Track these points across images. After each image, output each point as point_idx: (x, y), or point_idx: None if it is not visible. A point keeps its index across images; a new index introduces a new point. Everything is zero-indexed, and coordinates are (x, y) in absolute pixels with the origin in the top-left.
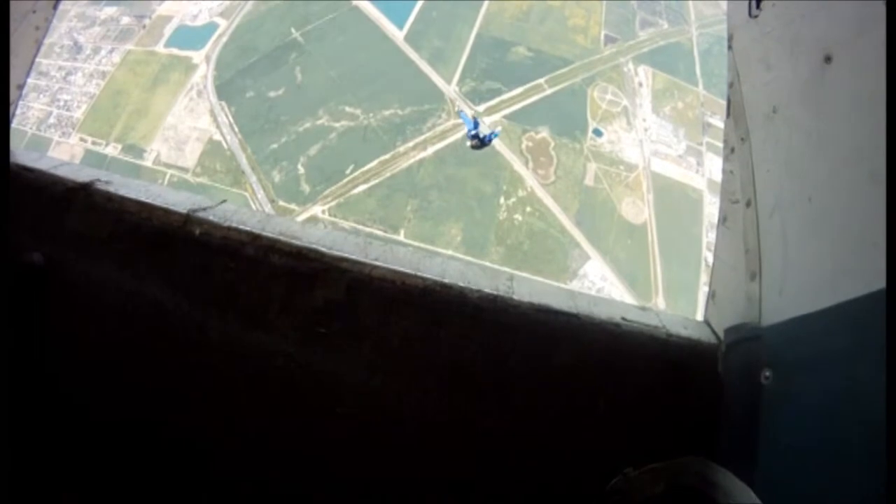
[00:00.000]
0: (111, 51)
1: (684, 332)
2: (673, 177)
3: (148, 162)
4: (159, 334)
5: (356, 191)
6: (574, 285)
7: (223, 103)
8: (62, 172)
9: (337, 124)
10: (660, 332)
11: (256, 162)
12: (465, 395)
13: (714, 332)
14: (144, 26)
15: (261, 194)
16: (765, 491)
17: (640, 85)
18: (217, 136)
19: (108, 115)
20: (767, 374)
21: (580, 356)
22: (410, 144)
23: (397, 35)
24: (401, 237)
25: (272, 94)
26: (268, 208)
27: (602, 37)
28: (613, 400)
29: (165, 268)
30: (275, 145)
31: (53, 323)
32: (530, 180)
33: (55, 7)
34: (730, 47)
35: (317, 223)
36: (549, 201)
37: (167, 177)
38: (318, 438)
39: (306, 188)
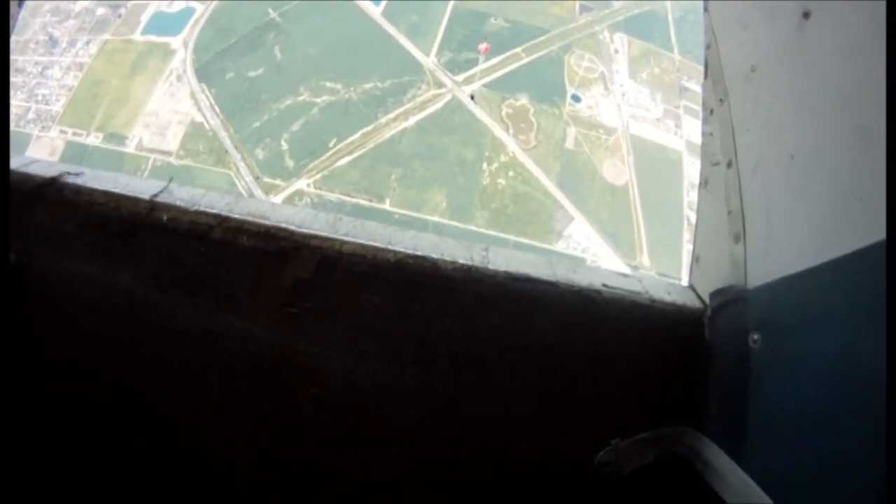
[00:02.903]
0: (87, 42)
1: (668, 298)
2: (652, 139)
3: (130, 148)
4: (131, 323)
5: (340, 163)
6: (559, 246)
7: (203, 86)
8: (32, 170)
9: (318, 99)
10: (643, 297)
11: (239, 141)
12: (441, 370)
13: (699, 297)
14: (120, 16)
15: (245, 172)
16: (756, 456)
17: (616, 52)
18: (199, 118)
19: (88, 106)
20: (755, 337)
21: (560, 325)
22: (392, 116)
23: (374, 11)
24: (386, 206)
25: (252, 73)
26: (253, 185)
27: (577, 6)
28: (597, 369)
29: (135, 256)
30: (257, 123)
31: (28, 320)
32: (512, 146)
33: (20, 6)
34: (706, 10)
35: (302, 196)
36: (531, 165)
37: (150, 161)
38: (294, 420)
39: (290, 163)
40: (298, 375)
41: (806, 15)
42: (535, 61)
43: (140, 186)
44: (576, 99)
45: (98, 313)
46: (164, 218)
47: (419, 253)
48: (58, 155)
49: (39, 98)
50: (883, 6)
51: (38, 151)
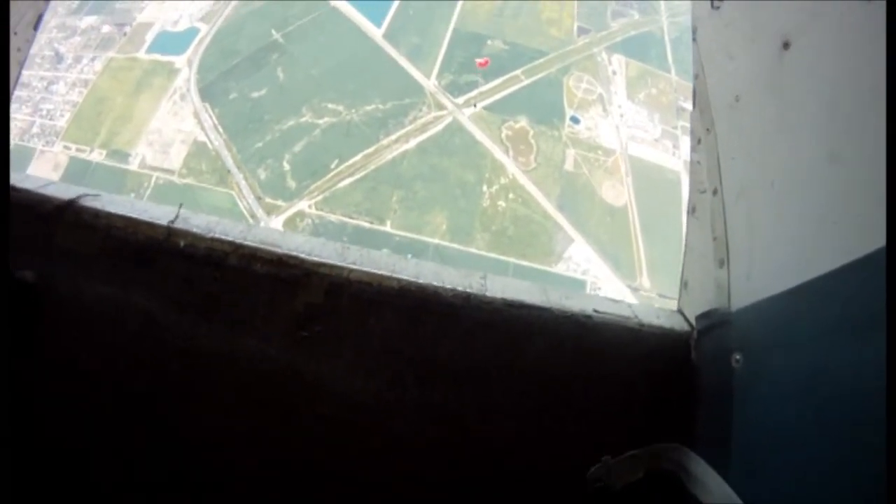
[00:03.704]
0: (93, 59)
1: (657, 322)
2: (650, 160)
3: (133, 166)
4: (149, 344)
5: (342, 184)
6: (559, 268)
7: (207, 105)
8: (50, 191)
9: (320, 121)
10: (631, 322)
11: (242, 161)
12: (443, 391)
13: (687, 320)
14: (125, 34)
15: (247, 192)
16: (740, 471)
17: (614, 73)
18: (202, 138)
19: (92, 122)
20: (738, 357)
21: (554, 347)
22: (393, 137)
23: (376, 33)
24: (387, 228)
25: (255, 94)
26: (255, 205)
27: (575, 28)
28: (589, 389)
29: (153, 280)
30: (260, 144)
31: (46, 337)
32: (512, 168)
33: (36, 28)
34: (694, 39)
35: (304, 218)
36: (530, 187)
37: (153, 179)
38: (303, 437)
39: (292, 184)
40: (308, 393)
41: (786, 45)
42: (535, 83)
43: (157, 212)
44: (575, 121)
45: (116, 332)
46: (182, 244)
47: (421, 281)
48: (61, 170)
49: (44, 113)
50: (859, 34)
51: (42, 166)
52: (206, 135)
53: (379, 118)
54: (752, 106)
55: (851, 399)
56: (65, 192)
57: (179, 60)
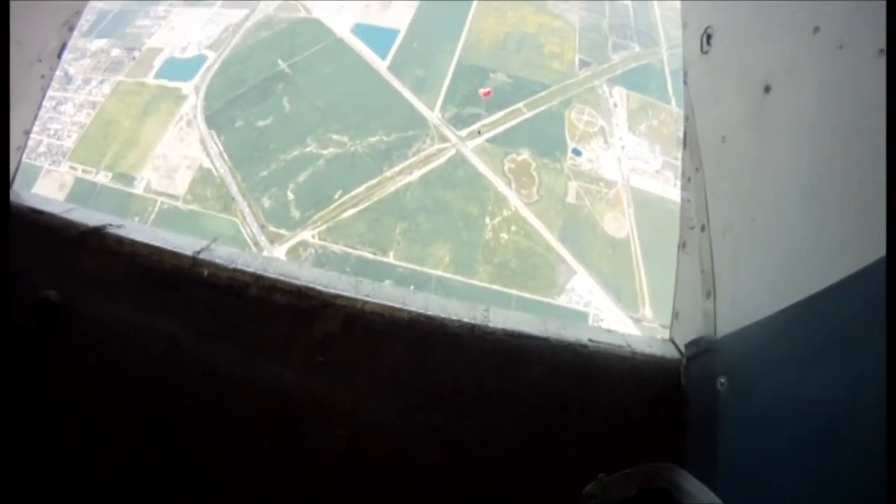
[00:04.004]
0: (101, 82)
1: (648, 350)
2: (652, 191)
3: (138, 190)
4: (170, 366)
5: (345, 215)
6: (562, 300)
7: (213, 132)
8: (73, 216)
9: (325, 151)
10: (625, 350)
11: (246, 189)
12: (448, 415)
13: (677, 348)
14: (134, 58)
15: (251, 220)
16: (727, 488)
17: (616, 105)
18: (207, 164)
19: (99, 144)
20: (723, 380)
21: (551, 375)
22: (397, 169)
23: (381, 65)
24: (390, 259)
25: (261, 123)
26: (258, 233)
27: (577, 61)
28: (584, 414)
29: (176, 306)
30: (264, 172)
31: (67, 356)
32: (514, 200)
33: (59, 56)
34: (685, 83)
35: (307, 247)
36: (533, 220)
37: (158, 204)
38: (315, 455)
39: (296, 213)
40: (322, 415)
41: (767, 89)
42: (537, 116)
43: (181, 242)
44: (576, 153)
45: (138, 354)
46: (205, 273)
47: (429, 312)
48: (66, 190)
49: (51, 132)
50: (833, 78)
51: (48, 185)
52: (212, 162)
53: (383, 150)
54: (736, 146)
55: (826, 417)
56: (88, 219)
57: (187, 87)
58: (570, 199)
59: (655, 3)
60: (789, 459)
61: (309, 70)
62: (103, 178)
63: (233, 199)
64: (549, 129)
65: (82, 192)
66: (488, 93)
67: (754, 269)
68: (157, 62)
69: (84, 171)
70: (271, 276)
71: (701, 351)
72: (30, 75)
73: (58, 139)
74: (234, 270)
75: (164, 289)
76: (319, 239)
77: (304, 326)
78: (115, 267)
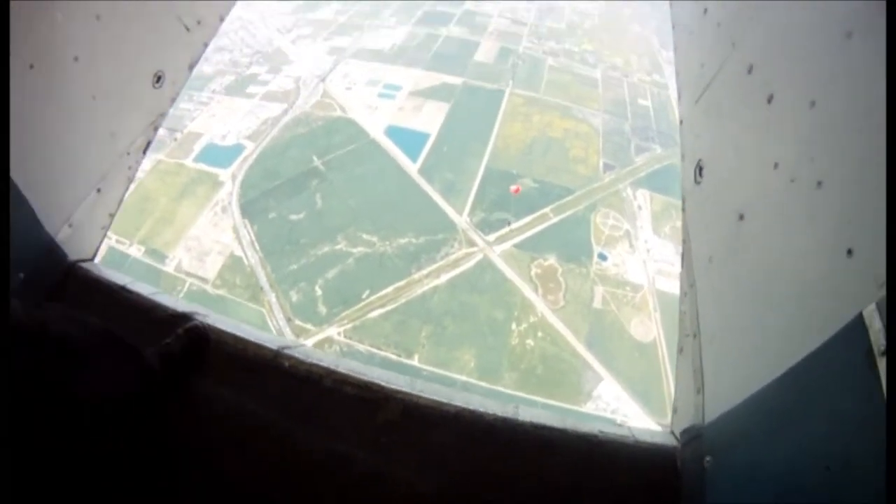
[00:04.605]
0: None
1: (650, 440)
2: (678, 293)
3: (169, 268)
4: (254, 438)
5: (372, 315)
6: (588, 407)
7: (246, 221)
8: (161, 300)
9: (354, 250)
10: (628, 440)
11: (275, 280)
12: (483, 489)
13: (675, 437)
14: (176, 139)
15: (278, 312)
16: None
17: (640, 208)
18: (238, 252)
19: (135, 218)
20: (708, 459)
21: (569, 461)
22: (425, 272)
23: (412, 168)
24: (415, 362)
25: (293, 216)
26: (284, 326)
27: (601, 165)
28: (595, 492)
29: (260, 389)
30: (294, 266)
31: (165, 422)
32: (541, 306)
33: (144, 151)
34: (683, 209)
35: (332, 344)
36: (559, 326)
37: (187, 284)
38: None
39: (323, 309)
40: (386, 486)
41: (741, 217)
42: (563, 221)
43: (263, 336)
44: (602, 257)
45: (224, 426)
46: (286, 364)
47: (471, 407)
48: (99, 257)
49: None
50: (793, 209)
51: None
52: (243, 250)
53: (412, 252)
54: (719, 266)
55: (791, 483)
56: (176, 305)
57: (224, 174)
58: (597, 304)
59: (675, 104)
60: None
61: (342, 168)
62: (136, 251)
63: (261, 288)
64: (575, 233)
65: (114, 261)
66: (517, 190)
67: (730, 367)
68: (197, 146)
69: (118, 240)
70: (342, 371)
71: (692, 437)
72: (119, 165)
73: None
74: (311, 364)
75: (248, 373)
76: (345, 337)
77: (369, 414)
78: (178, 335)
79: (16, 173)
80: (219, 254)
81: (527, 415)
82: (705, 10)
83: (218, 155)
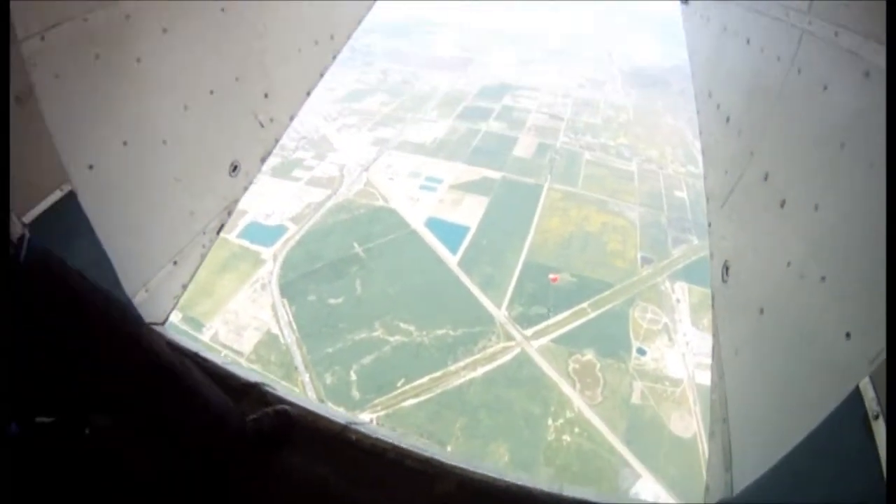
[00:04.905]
0: None
1: None
2: None
3: (205, 337)
4: (322, 502)
5: (406, 403)
6: None
7: (285, 301)
8: (232, 370)
9: (391, 338)
10: None
11: (311, 361)
12: None
13: None
14: None
15: (311, 393)
16: None
17: (678, 301)
18: (275, 330)
19: None
20: None
21: None
22: (461, 364)
23: (451, 260)
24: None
25: (332, 300)
26: None
27: (639, 258)
28: None
29: (329, 457)
30: (330, 349)
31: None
32: (578, 402)
33: (217, 233)
34: (713, 306)
35: None
36: (596, 421)
37: (222, 356)
38: None
39: (357, 395)
40: None
41: (761, 311)
42: (601, 315)
43: (331, 411)
44: (641, 352)
45: (299, 492)
46: (353, 437)
47: (520, 483)
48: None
49: None
50: (807, 309)
51: None
52: (280, 328)
53: (449, 343)
54: (744, 356)
55: None
56: (247, 375)
57: (266, 252)
58: (635, 399)
59: None
60: None
61: (383, 256)
62: (174, 316)
63: (296, 368)
64: (613, 328)
65: None
66: (556, 279)
67: (754, 444)
68: (242, 223)
69: None
70: (404, 447)
71: None
72: (195, 242)
73: None
74: (376, 439)
75: (320, 444)
76: (378, 423)
77: (428, 486)
78: (268, 414)
79: (103, 236)
80: (255, 329)
81: (570, 491)
82: (727, 119)
83: (261, 233)
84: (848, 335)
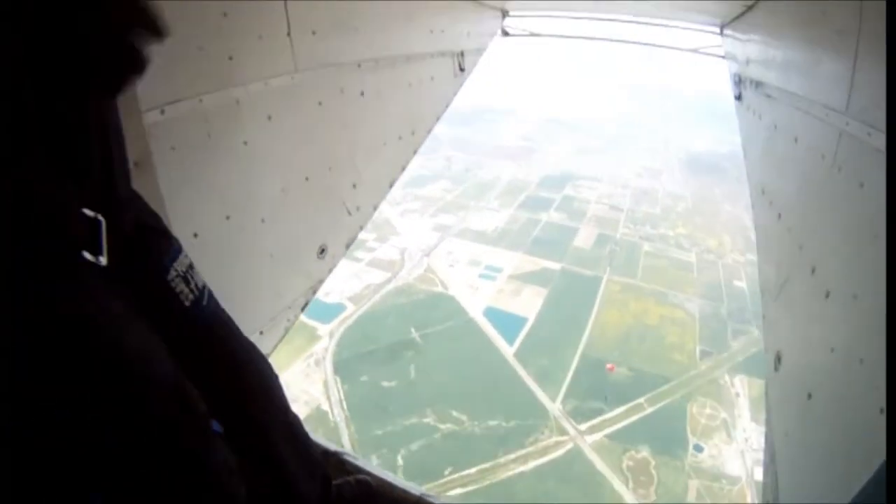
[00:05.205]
0: None
1: None
2: None
3: None
4: None
5: (452, 492)
6: None
7: (338, 379)
8: (316, 438)
9: (442, 426)
10: None
11: (358, 441)
12: None
13: None
14: None
15: None
16: None
17: (737, 395)
18: (325, 407)
19: None
20: None
21: None
22: (512, 457)
23: (507, 350)
24: None
25: (385, 383)
26: None
27: (697, 352)
28: None
29: None
30: (379, 431)
31: None
32: (630, 500)
33: (302, 310)
34: (766, 394)
35: None
36: None
37: None
38: None
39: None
40: None
41: (809, 396)
42: (657, 411)
43: (403, 483)
44: (698, 449)
45: None
46: None
47: None
48: None
49: None
50: (826, 356)
51: None
52: (331, 406)
53: (500, 435)
54: (792, 439)
55: None
56: (327, 444)
57: (323, 329)
58: (691, 498)
59: None
60: None
61: (438, 344)
62: None
63: (342, 447)
64: (669, 424)
65: None
66: (612, 368)
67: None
68: None
69: None
70: None
71: None
72: (280, 317)
73: None
74: None
75: None
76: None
77: None
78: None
79: None
80: (305, 403)
81: None
82: (779, 216)
83: (319, 310)
84: (882, 410)
